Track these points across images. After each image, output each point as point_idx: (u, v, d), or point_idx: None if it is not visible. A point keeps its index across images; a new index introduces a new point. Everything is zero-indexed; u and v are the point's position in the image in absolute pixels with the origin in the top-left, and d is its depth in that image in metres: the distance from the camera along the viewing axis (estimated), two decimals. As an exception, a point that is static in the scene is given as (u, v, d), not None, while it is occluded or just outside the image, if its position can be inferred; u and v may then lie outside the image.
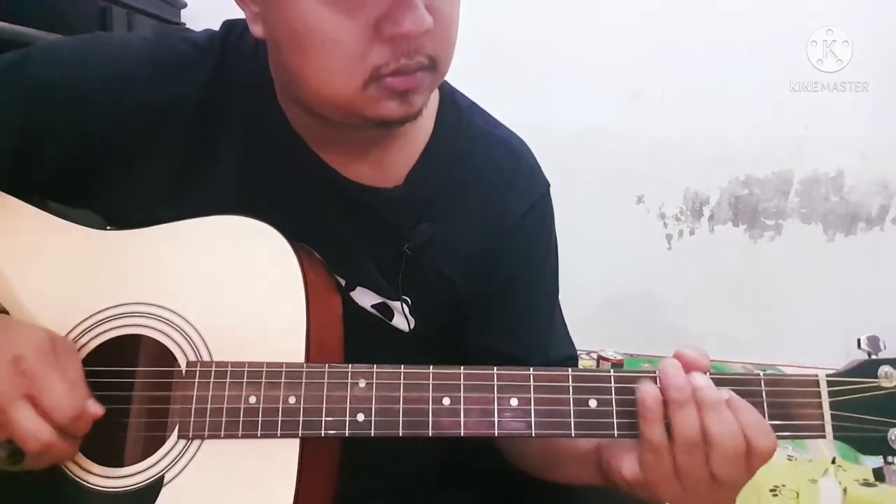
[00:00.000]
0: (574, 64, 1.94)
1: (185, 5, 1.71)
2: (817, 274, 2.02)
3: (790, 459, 1.34)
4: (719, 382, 0.49)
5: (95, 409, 0.51)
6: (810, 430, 0.50)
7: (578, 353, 0.73)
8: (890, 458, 0.51)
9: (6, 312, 0.57)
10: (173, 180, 0.60)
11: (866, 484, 1.27)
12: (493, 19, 1.85)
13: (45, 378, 0.49)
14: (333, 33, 0.48)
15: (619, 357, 1.77)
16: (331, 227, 0.62)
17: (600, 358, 1.78)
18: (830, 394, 0.51)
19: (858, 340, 0.53)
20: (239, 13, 0.63)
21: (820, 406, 0.51)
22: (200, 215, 0.59)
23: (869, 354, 0.52)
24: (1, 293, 0.56)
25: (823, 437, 0.50)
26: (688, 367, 0.49)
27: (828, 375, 0.51)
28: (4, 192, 0.61)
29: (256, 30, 0.54)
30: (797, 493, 1.24)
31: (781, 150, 1.98)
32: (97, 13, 1.26)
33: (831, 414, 0.50)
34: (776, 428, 0.50)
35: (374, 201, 0.62)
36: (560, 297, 0.74)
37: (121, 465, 0.54)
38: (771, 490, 1.25)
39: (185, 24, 1.68)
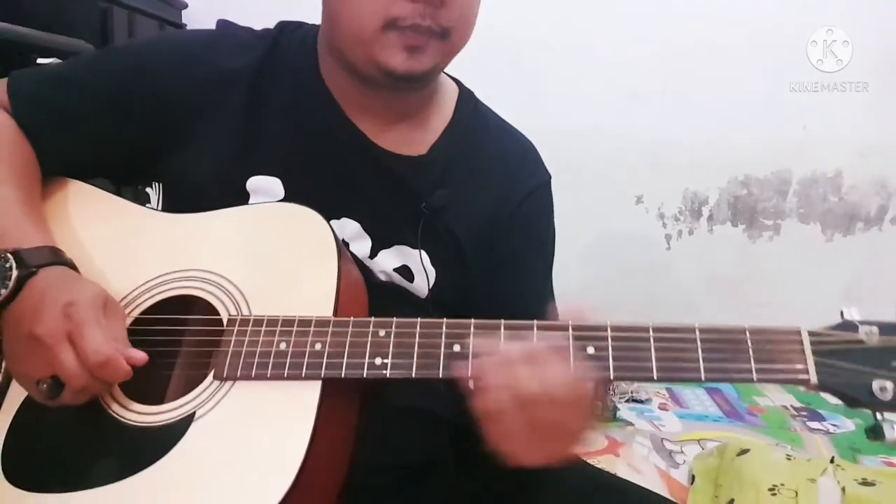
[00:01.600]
0: (574, 64, 1.94)
1: (185, 6, 1.71)
2: (816, 274, 2.02)
3: (789, 459, 1.34)
4: (704, 332, 0.53)
5: (140, 356, 0.56)
6: (795, 374, 0.52)
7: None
8: (879, 415, 0.51)
9: (76, 268, 0.63)
10: (231, 144, 0.70)
11: (865, 483, 1.27)
12: (492, 19, 1.84)
13: (86, 325, 0.55)
14: None
15: (618, 357, 1.77)
16: (362, 187, 0.72)
17: (600, 357, 1.78)
18: (813, 342, 0.53)
19: (841, 312, 0.55)
20: (239, 17, 0.69)
21: (803, 353, 0.52)
22: (253, 175, 0.69)
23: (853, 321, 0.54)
24: (76, 260, 0.63)
25: (808, 381, 0.51)
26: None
27: (810, 329, 0.54)
28: (87, 169, 0.73)
29: None
30: (796, 493, 1.24)
31: (780, 150, 1.99)
32: (98, 14, 1.26)
33: (815, 360, 0.52)
34: (763, 371, 0.52)
35: (400, 166, 0.72)
36: (560, 297, 0.75)
37: (162, 402, 0.59)
38: (769, 489, 1.25)
39: (186, 25, 1.68)
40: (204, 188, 0.69)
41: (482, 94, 0.80)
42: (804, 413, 1.74)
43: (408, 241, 0.72)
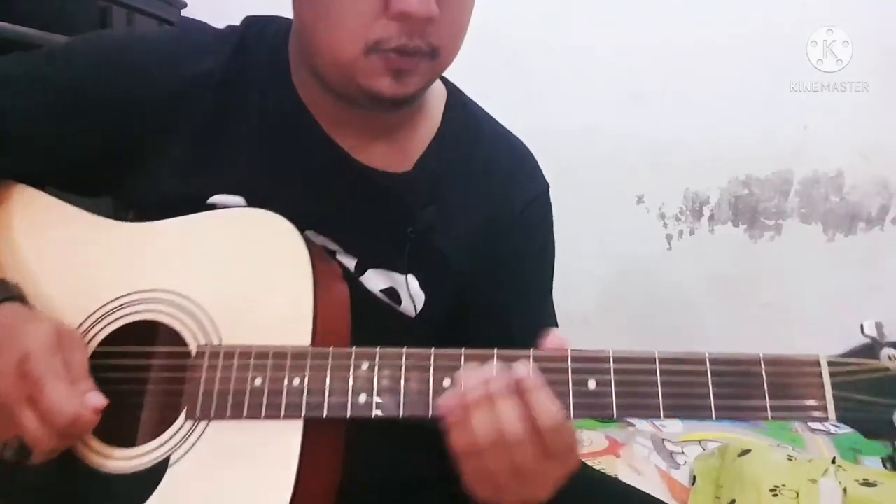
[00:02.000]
0: (574, 64, 1.94)
1: (185, 5, 1.70)
2: (817, 274, 2.02)
3: (790, 459, 1.34)
4: (715, 363, 0.49)
5: (96, 401, 0.52)
6: (812, 411, 0.49)
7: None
8: None
9: (25, 300, 0.59)
10: (193, 159, 0.64)
11: (866, 484, 1.26)
12: (492, 19, 1.84)
13: (45, 382, 0.50)
14: (345, 1, 0.53)
15: (618, 357, 1.77)
16: (342, 207, 0.66)
17: (600, 358, 1.78)
18: (832, 374, 0.49)
19: (862, 326, 0.52)
20: (237, 14, 0.67)
21: (822, 386, 0.49)
22: (216, 193, 0.62)
23: (872, 341, 0.51)
24: (22, 280, 0.58)
25: (826, 418, 0.49)
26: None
27: (829, 357, 0.50)
28: (34, 183, 0.65)
29: None
30: (797, 493, 1.24)
31: (781, 150, 1.98)
32: (97, 13, 1.26)
33: (833, 395, 0.49)
34: (778, 409, 0.49)
35: (383, 184, 0.66)
36: (560, 297, 0.74)
37: (133, 444, 0.56)
38: (770, 490, 1.24)
39: (184, 24, 1.68)
40: (161, 208, 0.63)
41: (479, 94, 0.78)
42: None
43: (394, 267, 0.66)
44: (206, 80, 0.64)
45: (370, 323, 0.62)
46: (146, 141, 0.63)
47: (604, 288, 2.05)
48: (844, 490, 1.24)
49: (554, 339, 0.53)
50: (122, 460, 0.55)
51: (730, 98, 1.92)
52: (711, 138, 1.96)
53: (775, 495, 1.23)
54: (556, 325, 0.73)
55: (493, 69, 1.77)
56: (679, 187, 2.05)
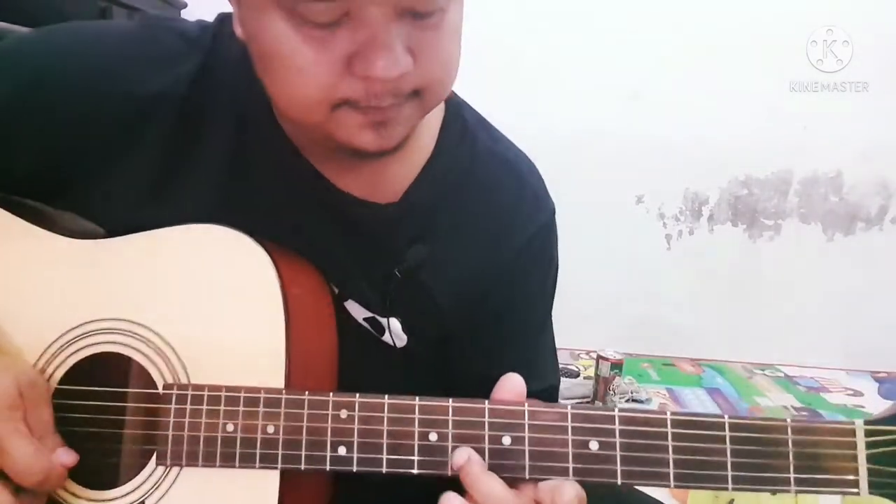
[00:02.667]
0: (573, 64, 1.94)
1: (185, 5, 1.71)
2: (816, 274, 2.02)
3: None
4: (734, 428, 0.45)
5: (66, 459, 0.50)
6: (841, 486, 0.45)
7: (578, 352, 0.73)
8: None
9: None
10: (155, 180, 0.57)
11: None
12: (492, 19, 1.85)
13: (9, 441, 0.47)
14: (302, 62, 0.45)
15: (618, 357, 1.77)
16: (320, 238, 0.60)
17: (600, 358, 1.77)
18: (868, 445, 0.45)
19: None
20: None
21: (854, 458, 0.45)
22: (182, 219, 0.56)
23: None
24: None
25: (857, 493, 0.45)
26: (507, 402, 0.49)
27: (866, 423, 0.45)
28: None
29: (238, 31, 0.51)
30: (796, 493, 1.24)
31: (781, 150, 1.99)
32: (97, 13, 1.26)
33: (868, 468, 0.44)
34: (801, 482, 0.45)
35: (367, 217, 0.59)
36: (560, 297, 0.74)
37: (106, 486, 0.54)
38: (770, 490, 1.25)
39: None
40: (123, 232, 0.57)
41: (481, 95, 0.76)
42: (804, 413, 1.74)
43: (375, 309, 0.61)
44: (167, 96, 0.56)
45: (355, 348, 0.60)
46: (98, 160, 0.56)
47: (604, 288, 2.05)
48: (844, 490, 1.24)
49: (504, 390, 0.49)
50: (96, 503, 0.53)
51: (730, 98, 1.92)
52: (711, 138, 1.97)
53: (774, 494, 1.24)
54: (554, 354, 0.71)
55: (494, 70, 1.78)
56: (679, 187, 2.05)
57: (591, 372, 1.83)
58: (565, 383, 1.76)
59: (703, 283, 2.06)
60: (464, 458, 0.47)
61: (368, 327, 0.62)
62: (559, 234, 0.74)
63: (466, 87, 0.78)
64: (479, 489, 0.46)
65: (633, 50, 1.92)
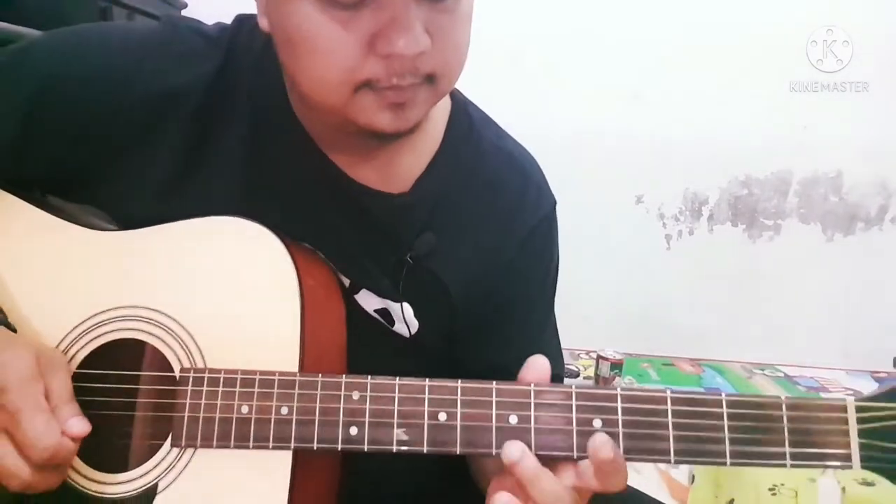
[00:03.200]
0: (574, 64, 1.94)
1: (185, 5, 1.70)
2: (816, 274, 2.02)
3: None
4: (732, 405, 0.47)
5: (78, 428, 0.50)
6: (835, 460, 0.46)
7: (578, 352, 0.74)
8: None
9: (5, 321, 0.56)
10: (174, 176, 0.59)
11: (865, 483, 1.27)
12: (492, 19, 1.85)
13: (22, 414, 0.48)
14: (327, 43, 0.48)
15: (618, 357, 1.77)
16: (334, 228, 0.62)
17: (599, 357, 1.78)
18: (859, 420, 0.46)
19: (894, 359, 0.51)
20: (241, 12, 0.64)
21: (846, 433, 0.46)
22: (201, 212, 0.58)
23: None
24: None
25: (850, 467, 0.46)
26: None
27: (857, 400, 0.47)
28: (3, 187, 0.60)
29: (263, 23, 0.54)
30: (796, 493, 1.24)
31: (781, 150, 1.99)
32: (97, 13, 1.26)
33: (860, 443, 0.46)
34: (797, 457, 0.46)
35: (379, 206, 0.62)
36: (560, 296, 0.74)
37: (121, 469, 0.54)
38: (770, 489, 1.25)
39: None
40: (141, 226, 0.60)
41: (482, 94, 0.77)
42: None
43: (388, 294, 0.63)
44: (188, 93, 0.59)
45: (364, 341, 0.61)
46: (112, 160, 0.59)
47: (604, 288, 2.05)
48: (843, 489, 1.25)
49: (532, 370, 0.51)
50: (111, 485, 0.54)
51: (730, 98, 1.92)
52: (711, 138, 1.97)
53: (774, 494, 1.24)
54: (558, 344, 0.73)
55: (495, 70, 1.78)
56: (678, 187, 2.05)
57: (591, 372, 1.83)
58: (565, 383, 1.76)
59: (703, 283, 2.07)
60: (518, 454, 0.48)
61: (379, 318, 0.64)
62: (559, 234, 0.74)
63: (467, 87, 0.78)
64: (538, 486, 0.47)
65: (633, 50, 1.92)
